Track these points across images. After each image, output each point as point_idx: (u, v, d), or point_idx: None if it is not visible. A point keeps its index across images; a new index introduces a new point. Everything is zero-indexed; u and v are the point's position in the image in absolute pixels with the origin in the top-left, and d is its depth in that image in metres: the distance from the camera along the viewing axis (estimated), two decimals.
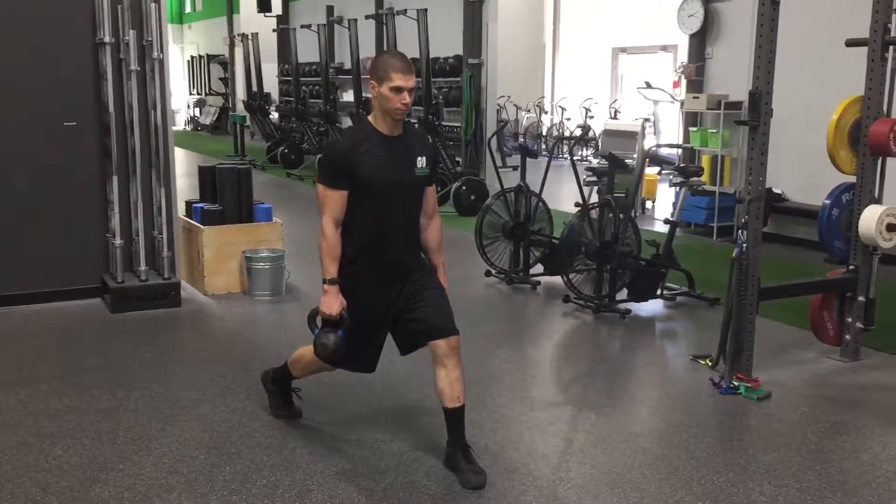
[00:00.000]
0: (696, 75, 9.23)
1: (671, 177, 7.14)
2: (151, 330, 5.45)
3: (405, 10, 11.02)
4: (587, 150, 15.67)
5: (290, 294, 6.30)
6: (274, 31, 18.13)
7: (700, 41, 9.19)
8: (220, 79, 23.18)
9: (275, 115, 17.58)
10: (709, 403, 4.30)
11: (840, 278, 4.89)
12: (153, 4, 5.77)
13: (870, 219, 4.63)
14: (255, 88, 16.49)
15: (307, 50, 15.68)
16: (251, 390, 4.30)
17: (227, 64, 22.41)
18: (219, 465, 3.51)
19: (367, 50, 14.00)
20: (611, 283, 5.94)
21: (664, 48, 15.28)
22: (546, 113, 16.87)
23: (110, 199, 5.87)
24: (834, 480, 3.48)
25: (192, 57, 25.57)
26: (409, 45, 11.42)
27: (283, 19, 18.80)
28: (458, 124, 11.57)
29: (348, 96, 14.57)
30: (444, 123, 10.96)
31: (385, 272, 3.41)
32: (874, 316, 4.89)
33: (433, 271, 3.55)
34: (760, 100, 4.28)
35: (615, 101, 16.08)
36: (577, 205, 6.20)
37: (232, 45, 21.11)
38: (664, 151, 10.82)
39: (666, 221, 6.41)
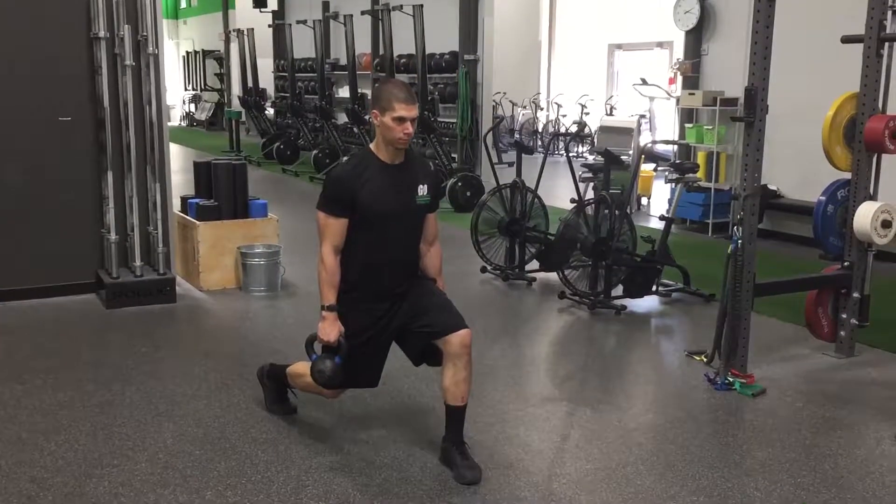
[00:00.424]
0: (691, 72, 9.23)
1: (667, 173, 7.15)
2: (146, 325, 5.44)
3: (401, 6, 11.00)
4: (583, 146, 15.66)
5: (285, 290, 6.30)
6: (269, 26, 18.08)
7: (696, 38, 9.19)
8: (216, 74, 23.11)
9: (270, 111, 17.54)
10: (704, 399, 4.31)
11: (835, 275, 4.90)
12: None
13: (865, 215, 4.63)
14: (250, 84, 16.44)
15: (303, 46, 15.64)
16: (246, 386, 4.30)
17: (222, 59, 22.35)
18: (214, 461, 3.51)
19: (363, 46, 13.99)
20: (606, 279, 5.94)
21: (660, 45, 15.28)
22: (542, 109, 16.85)
23: (105, 194, 5.86)
24: (828, 476, 3.49)
25: (188, 52, 25.50)
26: (404, 41, 11.43)
27: (278, 15, 18.75)
28: (454, 120, 11.56)
29: (344, 92, 14.53)
30: (439, 120, 10.94)
31: (383, 298, 3.42)
32: (869, 312, 4.90)
33: (431, 280, 3.56)
34: (756, 96, 4.28)
35: (611, 97, 16.09)
36: (572, 201, 6.20)
37: (227, 41, 21.05)
38: (660, 148, 10.83)
39: (661, 218, 6.42)
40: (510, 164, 7.11)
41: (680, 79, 9.65)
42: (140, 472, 3.41)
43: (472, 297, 6.24)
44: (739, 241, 4.38)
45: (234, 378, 4.45)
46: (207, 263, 6.25)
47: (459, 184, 9.94)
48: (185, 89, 25.57)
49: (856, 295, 4.84)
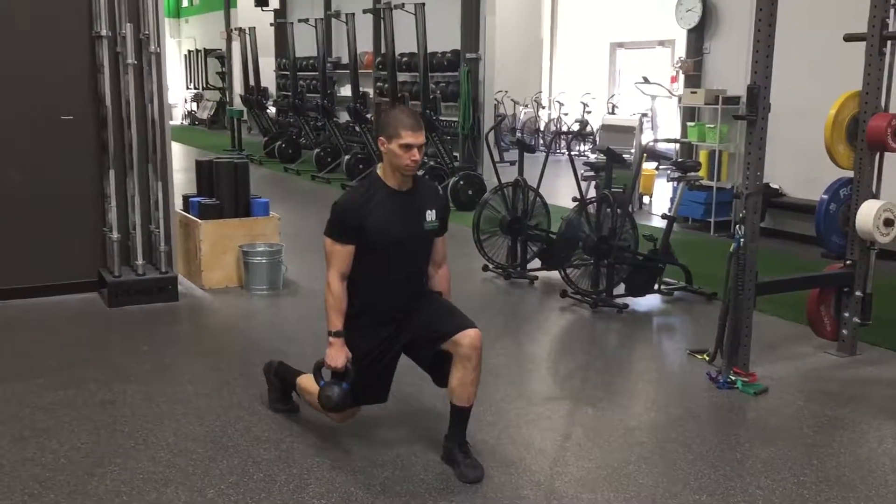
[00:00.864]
0: (693, 70, 9.22)
1: (669, 172, 7.14)
2: (148, 324, 5.44)
3: (403, 5, 11.00)
4: (585, 144, 15.66)
5: (287, 288, 6.30)
6: (271, 25, 18.08)
7: (698, 36, 9.18)
8: (218, 73, 23.12)
9: (272, 110, 17.54)
10: (706, 398, 4.31)
11: (837, 273, 4.89)
12: None
13: (867, 214, 4.63)
14: (252, 83, 16.45)
15: (305, 44, 15.63)
16: (248, 384, 4.30)
17: (224, 58, 22.35)
18: (216, 459, 3.51)
19: (365, 44, 13.98)
20: (608, 277, 5.94)
21: (662, 43, 15.27)
22: (544, 108, 16.85)
23: (107, 193, 5.86)
24: (831, 474, 3.48)
25: (190, 51, 25.50)
26: (406, 40, 11.42)
27: (280, 13, 18.74)
28: (456, 119, 11.56)
29: (346, 91, 14.53)
30: (441, 118, 10.94)
31: (390, 322, 3.44)
32: (871, 311, 4.90)
33: (433, 291, 3.56)
34: (758, 95, 4.27)
35: (613, 95, 16.07)
36: (574, 199, 6.20)
37: (229, 40, 21.04)
38: (662, 146, 10.82)
39: (663, 216, 6.42)
40: (512, 163, 7.11)
41: (682, 77, 9.64)
42: (142, 471, 3.41)
43: (473, 296, 6.24)
44: (741, 240, 4.37)
45: (235, 376, 4.45)
46: (209, 262, 6.25)
47: (461, 182, 9.94)
48: (187, 88, 25.58)
49: (858, 293, 4.84)
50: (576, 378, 4.70)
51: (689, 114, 9.32)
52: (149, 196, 5.97)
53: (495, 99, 13.20)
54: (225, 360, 4.75)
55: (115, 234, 5.84)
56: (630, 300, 5.93)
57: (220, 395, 4.21)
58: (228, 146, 16.38)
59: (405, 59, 12.49)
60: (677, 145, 9.35)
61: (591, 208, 6.08)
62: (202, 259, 6.24)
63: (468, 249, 7.02)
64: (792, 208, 8.19)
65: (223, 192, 6.43)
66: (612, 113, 14.66)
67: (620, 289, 6.01)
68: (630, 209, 6.23)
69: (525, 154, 6.92)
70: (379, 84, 13.70)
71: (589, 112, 15.40)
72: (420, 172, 3.61)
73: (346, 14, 12.79)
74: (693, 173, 6.42)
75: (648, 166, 10.24)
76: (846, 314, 4.89)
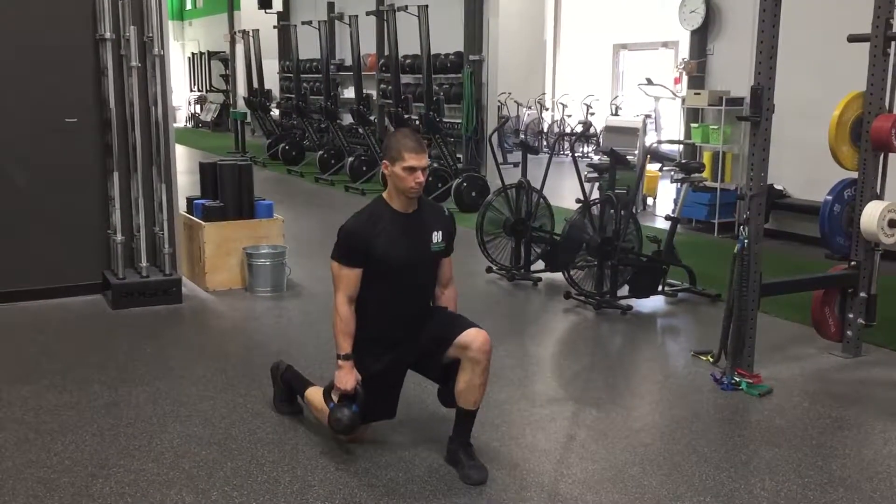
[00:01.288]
0: (697, 71, 9.22)
1: (672, 173, 7.14)
2: (152, 326, 5.45)
3: (406, 7, 11.01)
4: (588, 146, 15.65)
5: (290, 290, 6.30)
6: (275, 27, 18.10)
7: (701, 37, 9.18)
8: (221, 75, 23.15)
9: (276, 112, 17.56)
10: (710, 399, 4.30)
11: (842, 274, 4.88)
12: (154, 0, 5.76)
13: (871, 215, 4.62)
14: (255, 85, 16.47)
15: (308, 46, 15.65)
16: (252, 386, 4.30)
17: (227, 61, 22.36)
18: (220, 461, 3.52)
19: (368, 46, 13.99)
20: (612, 279, 5.93)
21: (665, 44, 15.25)
22: (547, 109, 16.84)
23: (111, 195, 5.87)
24: (835, 476, 3.48)
25: (193, 53, 25.54)
26: (409, 42, 11.43)
27: (283, 16, 18.77)
28: (459, 121, 11.55)
29: (349, 93, 14.55)
30: (444, 120, 10.95)
31: (398, 343, 3.46)
32: (876, 312, 4.89)
33: (438, 307, 3.58)
34: (762, 96, 4.27)
35: (616, 97, 16.06)
36: (578, 201, 6.20)
37: (233, 42, 21.06)
38: (665, 148, 10.80)
39: (667, 218, 6.41)
40: (515, 165, 7.12)
41: (685, 78, 9.63)
42: (146, 473, 3.41)
43: (477, 298, 6.24)
44: (745, 241, 4.37)
45: (239, 378, 4.45)
46: (213, 264, 6.26)
47: (465, 184, 9.94)
48: (191, 90, 25.63)
49: (862, 294, 4.83)
50: (580, 380, 4.70)
51: (692, 115, 9.31)
52: (153, 198, 5.98)
53: (499, 101, 13.21)
54: (229, 362, 4.75)
55: (119, 237, 5.85)
56: (634, 302, 5.93)
57: (224, 397, 4.22)
58: (232, 148, 16.40)
59: (408, 60, 12.50)
60: (681, 147, 9.34)
61: (595, 210, 6.08)
62: (206, 261, 6.24)
63: (472, 251, 7.02)
64: (796, 209, 8.18)
65: (227, 195, 6.44)
66: (616, 114, 14.64)
67: (624, 290, 6.00)
68: (634, 210, 6.22)
69: (528, 156, 6.93)
70: (382, 86, 13.71)
71: (592, 114, 15.40)
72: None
73: (350, 16, 12.80)
74: (697, 175, 6.41)
75: (652, 168, 10.22)
76: (850, 315, 4.88)
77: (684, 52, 10.65)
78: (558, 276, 6.36)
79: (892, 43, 4.60)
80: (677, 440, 3.80)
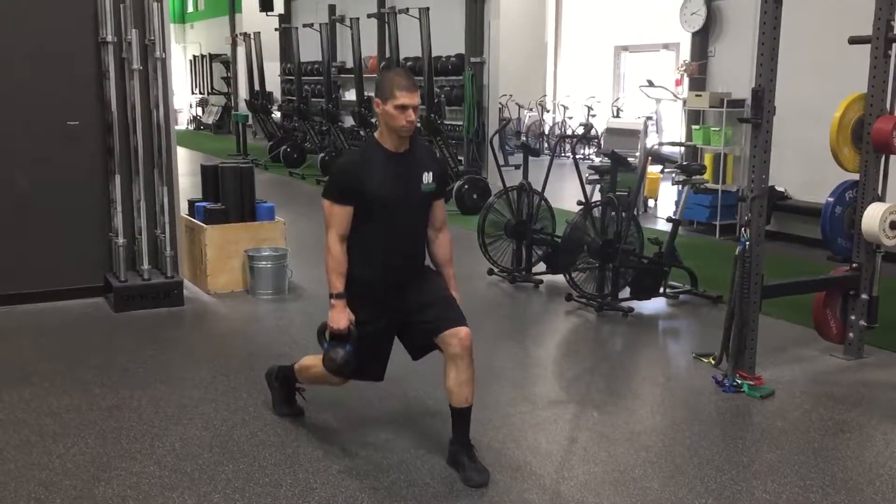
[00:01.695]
0: (698, 73, 9.22)
1: (674, 175, 7.14)
2: (154, 329, 5.45)
3: (407, 9, 11.02)
4: (589, 148, 15.65)
5: (292, 293, 6.30)
6: (276, 30, 18.12)
7: (702, 39, 9.18)
8: (223, 78, 23.19)
9: (277, 115, 17.58)
10: (712, 401, 4.30)
11: (843, 276, 4.88)
12: (155, 3, 5.77)
13: (873, 216, 4.62)
14: (257, 87, 16.49)
15: (309, 49, 15.67)
16: (254, 389, 4.30)
17: (229, 63, 22.41)
18: (221, 464, 3.52)
19: (369, 49, 14.00)
20: (613, 281, 5.93)
21: (666, 46, 15.26)
22: (548, 111, 16.85)
23: (113, 198, 5.87)
24: (837, 478, 3.47)
25: (195, 56, 25.56)
26: (411, 44, 11.44)
27: (285, 18, 18.79)
28: (461, 123, 11.56)
29: (350, 95, 14.56)
30: (446, 122, 10.95)
31: (390, 286, 3.43)
32: (877, 314, 4.89)
33: (438, 275, 3.56)
34: (763, 97, 4.27)
35: (617, 99, 16.06)
36: (579, 203, 6.20)
37: (234, 45, 21.10)
38: (666, 149, 10.80)
39: (668, 219, 6.41)
40: (516, 167, 7.12)
41: (686, 80, 9.63)
42: (148, 476, 3.41)
43: (478, 300, 6.24)
44: (747, 243, 4.37)
45: (241, 381, 4.46)
46: (215, 267, 6.26)
47: (466, 186, 9.94)
48: (192, 93, 25.65)
49: (864, 296, 4.83)
50: (581, 382, 4.70)
51: (693, 117, 9.32)
52: (154, 201, 5.99)
53: (500, 103, 13.21)
54: (231, 364, 4.76)
55: (120, 239, 5.85)
56: (635, 304, 5.93)
57: (225, 399, 4.22)
58: (234, 151, 16.42)
59: (409, 63, 12.51)
60: (682, 148, 9.34)
61: (596, 212, 6.08)
62: (208, 264, 6.25)
63: (473, 253, 7.02)
64: (797, 211, 8.18)
65: (228, 197, 6.44)
66: (617, 116, 14.64)
67: (625, 292, 6.00)
68: (635, 212, 6.22)
69: (530, 158, 6.93)
70: None
71: (593, 115, 15.41)
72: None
73: (351, 19, 12.82)
74: (698, 176, 6.41)
75: (653, 169, 10.22)
76: (852, 317, 4.88)
77: (685, 53, 10.66)
78: (559, 278, 6.36)
79: (894, 45, 4.60)
80: (679, 442, 3.80)
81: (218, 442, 3.73)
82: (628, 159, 6.84)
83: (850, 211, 4.86)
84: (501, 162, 8.00)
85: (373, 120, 12.33)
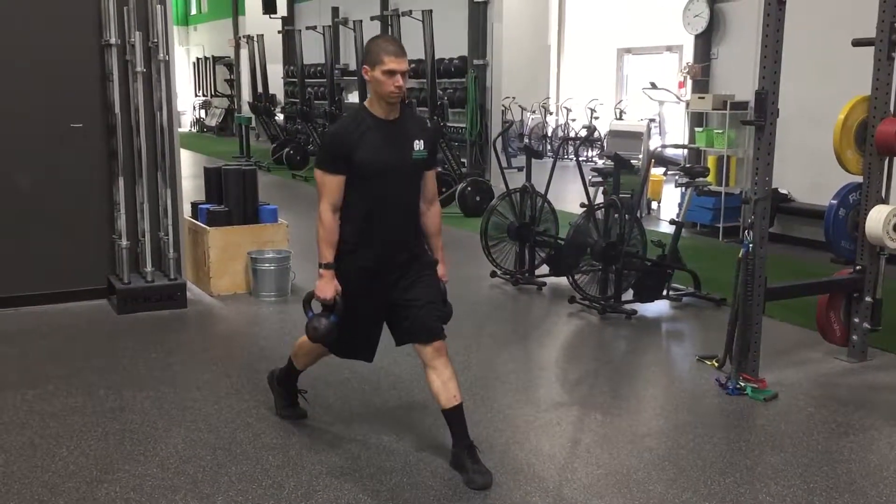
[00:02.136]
0: (701, 75, 9.22)
1: (677, 177, 7.14)
2: (157, 331, 5.45)
3: (410, 12, 11.03)
4: (592, 150, 15.65)
5: (295, 295, 6.30)
6: (279, 32, 18.16)
7: (705, 41, 9.18)
8: (226, 80, 23.23)
9: (280, 117, 17.60)
10: (715, 404, 4.29)
11: (847, 278, 4.87)
12: (159, 6, 5.78)
13: (877, 219, 4.61)
14: (260, 90, 16.51)
15: (312, 51, 15.69)
16: (257, 391, 4.30)
17: (232, 65, 22.46)
18: (224, 466, 3.52)
19: None
20: (616, 283, 5.93)
21: (669, 48, 15.27)
22: (551, 114, 16.85)
23: (116, 200, 5.88)
24: (841, 481, 3.47)
25: (198, 59, 25.62)
26: (414, 47, 11.43)
27: (288, 21, 18.82)
28: (464, 125, 11.57)
29: (353, 97, 14.59)
30: (449, 124, 10.96)
31: (383, 258, 3.41)
32: (881, 316, 4.88)
33: (433, 265, 3.54)
34: (766, 100, 4.27)
35: (620, 101, 16.07)
36: (582, 205, 6.19)
37: (237, 47, 21.15)
38: (670, 152, 10.81)
39: (672, 222, 6.40)
40: (519, 169, 7.12)
41: (689, 83, 9.64)
42: (151, 478, 3.41)
43: (481, 302, 6.24)
44: (750, 245, 4.36)
45: (244, 383, 4.46)
46: (218, 269, 6.27)
47: (469, 188, 9.94)
48: (196, 95, 25.70)
49: (868, 299, 4.82)
50: (584, 384, 4.69)
51: (696, 119, 9.31)
52: (158, 203, 5.99)
53: (503, 105, 13.21)
54: (234, 366, 4.76)
55: (124, 241, 5.86)
56: (638, 306, 5.92)
57: (228, 401, 4.22)
58: (237, 153, 16.44)
59: (413, 65, 12.50)
60: (685, 151, 9.34)
61: (600, 214, 6.08)
62: (211, 266, 6.25)
63: (476, 255, 7.02)
64: (801, 213, 8.17)
65: (231, 199, 6.45)
66: (620, 118, 14.64)
67: (629, 295, 5.99)
68: (638, 215, 6.21)
69: (533, 160, 6.93)
70: None
71: (596, 118, 15.40)
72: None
73: (354, 21, 12.84)
74: (701, 178, 6.41)
75: (656, 172, 10.23)
76: (856, 320, 4.87)
77: (688, 56, 10.66)
78: (563, 280, 6.36)
79: None
80: (682, 445, 3.79)
81: (221, 444, 3.73)
82: (631, 161, 6.84)
83: (854, 213, 4.85)
84: (504, 164, 8.00)
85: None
